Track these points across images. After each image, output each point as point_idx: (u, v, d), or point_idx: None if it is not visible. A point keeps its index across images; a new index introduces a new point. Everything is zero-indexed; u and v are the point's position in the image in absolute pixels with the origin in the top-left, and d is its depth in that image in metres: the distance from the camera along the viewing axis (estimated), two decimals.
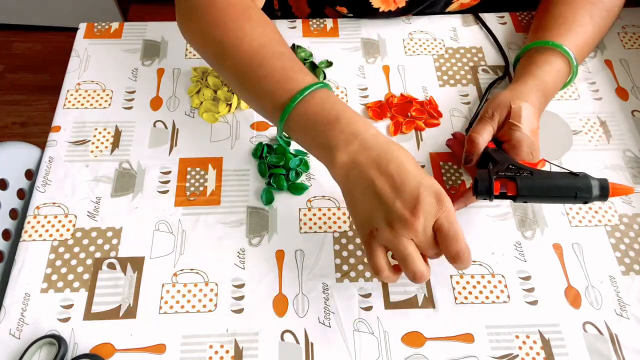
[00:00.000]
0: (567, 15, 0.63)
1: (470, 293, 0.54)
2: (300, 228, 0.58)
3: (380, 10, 0.72)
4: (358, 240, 0.57)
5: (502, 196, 0.50)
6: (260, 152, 0.62)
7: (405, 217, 0.43)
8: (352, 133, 0.47)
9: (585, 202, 0.49)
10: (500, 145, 0.56)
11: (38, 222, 0.58)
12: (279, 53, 0.53)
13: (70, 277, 0.55)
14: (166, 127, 0.66)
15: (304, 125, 0.49)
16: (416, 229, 0.43)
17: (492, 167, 0.51)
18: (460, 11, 0.77)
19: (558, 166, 0.52)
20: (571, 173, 0.49)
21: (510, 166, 0.51)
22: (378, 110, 0.66)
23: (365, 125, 0.48)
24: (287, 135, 0.53)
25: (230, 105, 0.66)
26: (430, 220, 0.44)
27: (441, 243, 0.45)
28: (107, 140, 0.64)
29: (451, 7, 0.75)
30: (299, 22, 0.76)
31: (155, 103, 0.68)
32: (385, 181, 0.45)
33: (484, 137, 0.56)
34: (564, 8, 0.64)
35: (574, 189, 0.48)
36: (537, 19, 0.68)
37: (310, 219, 0.59)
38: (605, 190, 0.48)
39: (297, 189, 0.60)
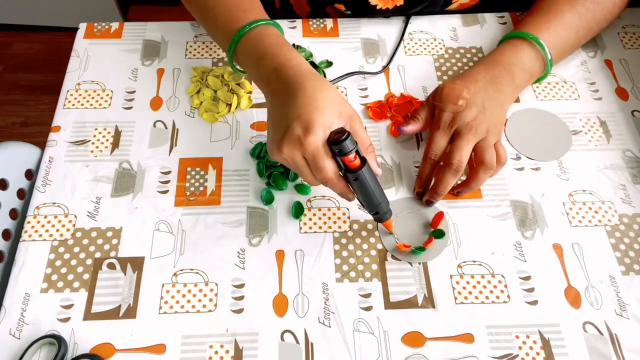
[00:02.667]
0: (545, 6, 0.65)
1: (470, 293, 0.54)
2: (300, 228, 0.58)
3: (378, 7, 0.72)
4: (358, 240, 0.57)
5: (342, 164, 0.50)
6: (259, 152, 0.62)
7: (275, 148, 0.50)
8: (273, 67, 0.53)
9: (370, 213, 0.55)
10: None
11: (38, 222, 0.58)
12: None
13: (70, 277, 0.55)
14: (166, 127, 0.66)
15: (244, 61, 0.58)
16: (284, 158, 0.50)
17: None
18: (460, 11, 0.77)
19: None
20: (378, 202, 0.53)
21: None
22: (378, 110, 0.66)
23: (287, 57, 0.53)
24: (238, 68, 0.61)
25: (230, 105, 0.66)
26: (295, 150, 0.49)
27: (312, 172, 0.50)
28: (107, 140, 0.64)
29: (451, 7, 0.75)
30: (299, 22, 0.76)
31: (155, 103, 0.68)
32: (276, 112, 0.51)
33: (421, 115, 0.62)
34: (545, 1, 0.65)
35: (375, 202, 0.53)
36: (527, 13, 0.69)
37: (310, 219, 0.59)
38: (381, 219, 0.55)
39: (302, 189, 0.60)
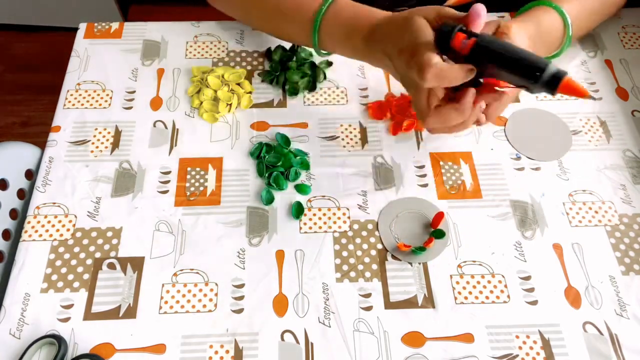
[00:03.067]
0: None
1: (470, 293, 0.54)
2: (300, 228, 0.58)
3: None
4: (358, 240, 0.57)
5: (456, 55, 0.47)
6: (259, 152, 0.62)
7: (406, 86, 0.53)
8: (370, 27, 0.55)
9: (535, 82, 0.43)
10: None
11: (38, 222, 0.58)
12: None
13: (70, 277, 0.55)
14: (166, 127, 0.66)
15: (332, 42, 0.59)
16: (421, 89, 0.50)
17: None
18: (457, 7, 0.76)
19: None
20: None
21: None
22: (378, 110, 0.66)
23: (375, 15, 0.56)
24: (323, 51, 0.62)
25: (230, 105, 0.66)
26: (405, 74, 0.51)
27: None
28: (107, 140, 0.65)
29: (449, 2, 0.75)
30: None
31: (155, 103, 0.68)
32: (392, 50, 0.52)
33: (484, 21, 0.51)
34: None
35: (530, 59, 0.43)
36: None
37: (310, 219, 0.59)
38: (559, 76, 0.43)
39: (302, 189, 0.60)
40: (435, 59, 0.46)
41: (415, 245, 0.56)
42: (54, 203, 0.60)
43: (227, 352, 0.51)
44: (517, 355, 0.51)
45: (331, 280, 0.55)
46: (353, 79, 0.70)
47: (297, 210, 0.59)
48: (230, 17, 0.72)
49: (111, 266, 0.56)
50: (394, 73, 0.55)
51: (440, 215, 0.58)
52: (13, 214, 0.63)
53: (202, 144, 0.64)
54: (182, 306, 0.53)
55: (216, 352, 0.51)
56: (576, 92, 0.43)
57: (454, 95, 0.50)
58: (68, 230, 0.58)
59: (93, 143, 0.64)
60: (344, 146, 0.64)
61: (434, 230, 0.57)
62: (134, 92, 0.69)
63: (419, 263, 0.56)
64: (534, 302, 0.54)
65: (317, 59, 0.71)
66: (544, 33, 0.59)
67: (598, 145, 0.64)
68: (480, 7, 0.49)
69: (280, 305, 0.54)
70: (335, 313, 0.53)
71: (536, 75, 0.43)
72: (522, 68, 0.44)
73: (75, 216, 0.59)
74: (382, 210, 0.59)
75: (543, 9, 0.60)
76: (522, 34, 0.52)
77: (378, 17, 0.56)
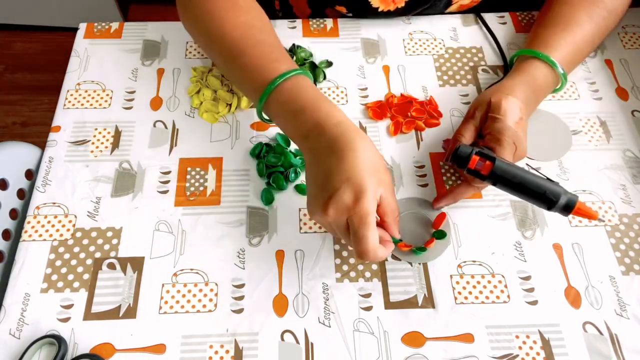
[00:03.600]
0: (565, 16, 0.63)
1: (470, 293, 0.54)
2: (300, 228, 0.58)
3: (380, 9, 0.72)
4: None
5: (475, 173, 0.51)
6: (259, 152, 0.62)
7: (318, 209, 0.48)
8: (314, 123, 0.50)
9: (549, 208, 0.50)
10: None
11: (38, 222, 0.58)
12: (258, 41, 0.58)
13: (70, 277, 0.55)
14: (166, 127, 0.66)
15: (277, 114, 0.54)
16: (327, 220, 0.47)
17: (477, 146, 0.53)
18: (460, 12, 0.77)
19: (540, 173, 0.52)
20: (548, 179, 0.51)
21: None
22: (378, 110, 0.66)
23: (328, 114, 0.50)
24: (268, 119, 0.58)
25: (230, 105, 0.66)
26: (342, 215, 0.47)
27: (351, 239, 0.47)
28: (107, 140, 0.64)
29: (451, 9, 0.75)
30: (299, 22, 0.76)
31: (155, 103, 0.68)
32: (321, 172, 0.48)
33: (467, 136, 0.57)
34: (563, 8, 0.64)
35: (544, 188, 0.49)
36: (537, 19, 0.68)
37: (310, 219, 0.59)
38: (571, 204, 0.49)
39: (302, 189, 0.60)
40: (375, 241, 0.46)
41: (416, 245, 0.56)
42: (54, 203, 0.60)
43: (227, 352, 0.51)
44: (517, 355, 0.51)
45: (331, 280, 0.55)
46: (353, 79, 0.70)
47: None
48: None
49: (111, 266, 0.56)
50: (315, 171, 0.49)
51: (442, 216, 0.58)
52: (13, 214, 0.63)
53: (202, 144, 0.64)
54: (182, 306, 0.53)
55: (216, 352, 0.51)
56: (587, 215, 0.50)
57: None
58: (68, 230, 0.58)
59: (93, 143, 0.64)
60: None
61: (436, 231, 0.57)
62: (134, 92, 0.69)
63: (419, 263, 0.56)
64: (534, 302, 0.54)
65: (317, 59, 0.71)
66: (539, 89, 0.60)
67: (598, 145, 0.64)
68: (464, 138, 0.56)
69: (280, 305, 0.54)
70: (335, 313, 0.53)
71: (550, 204, 0.49)
72: (537, 198, 0.50)
73: (75, 216, 0.59)
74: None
75: (534, 64, 0.60)
76: (514, 108, 0.55)
77: (342, 118, 0.50)
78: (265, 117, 0.57)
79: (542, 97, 0.62)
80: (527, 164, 0.57)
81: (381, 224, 0.51)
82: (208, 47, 0.63)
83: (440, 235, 0.57)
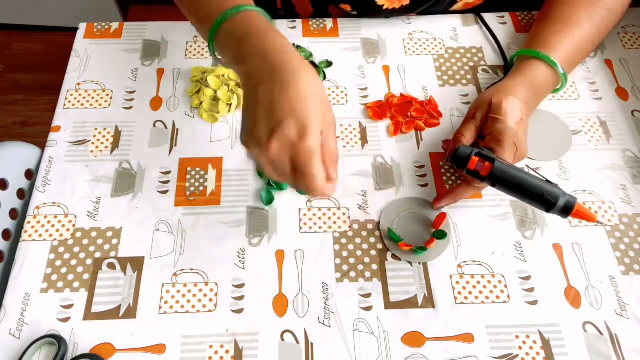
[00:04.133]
0: (565, 16, 0.63)
1: (470, 293, 0.54)
2: (300, 228, 0.58)
3: (385, 7, 0.72)
4: (358, 240, 0.57)
5: (474, 174, 0.51)
6: None
7: (259, 142, 0.44)
8: (257, 47, 0.47)
9: (548, 210, 0.50)
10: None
11: (38, 222, 0.58)
12: None
13: (70, 277, 0.55)
14: (166, 127, 0.66)
15: (225, 42, 0.51)
16: (267, 156, 0.44)
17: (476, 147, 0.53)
18: (464, 10, 0.77)
19: (539, 175, 0.52)
20: (547, 181, 0.51)
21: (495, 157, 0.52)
22: (378, 110, 0.66)
23: (274, 40, 0.47)
24: (219, 57, 0.53)
25: (230, 105, 0.66)
26: (286, 151, 0.43)
27: (296, 173, 0.44)
28: (107, 140, 0.64)
29: (456, 7, 0.75)
30: (299, 22, 0.76)
31: (155, 103, 0.68)
32: (264, 99, 0.44)
33: (467, 136, 0.57)
34: (562, 8, 0.64)
35: (543, 190, 0.49)
36: (537, 19, 0.68)
37: (310, 219, 0.59)
38: (570, 206, 0.49)
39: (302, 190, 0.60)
40: (323, 177, 0.44)
41: (416, 245, 0.56)
42: (54, 203, 0.60)
43: (227, 352, 0.51)
44: (517, 355, 0.51)
45: (331, 280, 0.55)
46: (353, 79, 0.70)
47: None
48: None
49: (111, 266, 0.56)
50: (254, 98, 0.46)
51: (442, 216, 0.58)
52: (13, 214, 0.63)
53: (202, 144, 0.64)
54: (182, 306, 0.53)
55: (216, 352, 0.51)
56: (586, 217, 0.50)
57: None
58: (68, 230, 0.58)
59: (93, 143, 0.64)
60: (344, 146, 0.64)
61: (436, 231, 0.57)
62: (134, 92, 0.69)
63: (419, 263, 0.56)
64: (534, 302, 0.54)
65: (317, 59, 0.71)
66: (539, 90, 0.61)
67: (598, 145, 0.64)
68: (464, 138, 0.56)
69: (280, 305, 0.54)
70: (335, 313, 0.53)
71: (549, 206, 0.49)
72: (535, 200, 0.50)
73: (75, 216, 0.59)
74: (384, 209, 0.59)
75: (534, 65, 0.60)
76: (515, 108, 0.55)
77: (287, 47, 0.47)
78: (217, 56, 0.53)
79: (542, 97, 0.62)
80: (526, 165, 0.57)
81: None
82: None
83: (441, 235, 0.57)
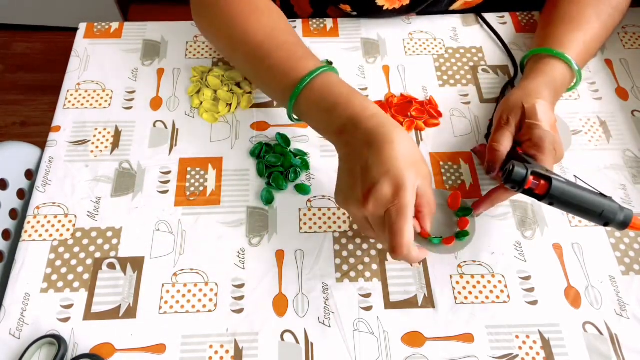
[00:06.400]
0: (573, 14, 0.63)
1: (470, 293, 0.54)
2: (300, 228, 0.58)
3: (385, 8, 0.72)
4: (358, 240, 0.57)
5: (529, 193, 0.50)
6: (259, 152, 0.62)
7: (356, 202, 0.47)
8: (348, 117, 0.50)
9: (606, 225, 0.49)
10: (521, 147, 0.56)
11: (38, 222, 0.58)
12: (282, 42, 0.57)
13: (70, 277, 0.55)
14: (166, 127, 0.66)
15: (308, 112, 0.54)
16: (364, 214, 0.47)
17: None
18: (463, 10, 0.77)
19: (587, 185, 0.51)
20: (601, 194, 0.49)
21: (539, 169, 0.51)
22: None
23: (362, 107, 0.50)
24: (298, 119, 0.57)
25: (230, 105, 0.66)
26: (381, 208, 0.45)
27: (387, 232, 0.46)
28: (107, 140, 0.65)
29: (455, 6, 0.75)
30: (299, 22, 0.76)
31: (155, 103, 0.68)
32: (358, 164, 0.47)
33: (504, 144, 0.56)
34: (571, 7, 0.64)
35: (602, 207, 0.48)
36: (544, 18, 0.68)
37: (310, 219, 0.59)
38: (627, 219, 0.48)
39: (302, 189, 0.60)
40: (411, 236, 0.45)
41: (434, 235, 0.57)
42: (54, 203, 0.60)
43: (227, 352, 0.51)
44: (517, 355, 0.51)
45: (331, 280, 0.55)
46: (353, 79, 0.70)
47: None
48: None
49: (111, 266, 0.56)
50: (350, 163, 0.49)
51: (465, 221, 0.58)
52: (13, 214, 0.63)
53: (202, 144, 0.64)
54: (182, 306, 0.53)
55: (216, 352, 0.51)
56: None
57: None
58: (68, 230, 0.58)
59: (93, 143, 0.64)
60: None
61: (461, 231, 0.57)
62: (134, 92, 0.69)
63: (419, 263, 0.56)
64: (534, 302, 0.54)
65: None
66: (559, 89, 0.61)
67: (598, 145, 0.64)
68: (501, 148, 0.55)
69: (280, 305, 0.54)
70: (335, 313, 0.53)
71: (607, 222, 0.48)
72: (594, 216, 0.49)
73: (75, 216, 0.59)
74: None
75: (550, 63, 0.60)
76: (548, 112, 0.55)
77: (376, 110, 0.50)
78: (296, 117, 0.56)
79: (560, 96, 0.62)
80: (574, 176, 0.56)
81: (416, 216, 0.50)
82: (231, 52, 0.62)
83: (463, 235, 0.57)
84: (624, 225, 0.48)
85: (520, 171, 0.49)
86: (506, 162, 0.55)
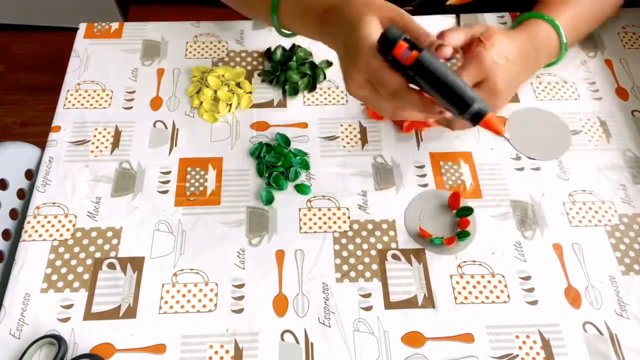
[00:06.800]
0: None
1: (470, 293, 0.54)
2: (300, 228, 0.58)
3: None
4: (358, 240, 0.57)
5: (396, 63, 0.46)
6: (259, 152, 0.62)
7: (352, 76, 0.49)
8: (325, 10, 0.54)
9: (460, 112, 0.45)
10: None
11: (38, 222, 0.58)
12: None
13: (70, 277, 0.55)
14: (166, 127, 0.66)
15: (291, 17, 0.59)
16: (358, 94, 0.51)
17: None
18: (459, 5, 0.77)
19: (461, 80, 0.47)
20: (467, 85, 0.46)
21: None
22: None
23: (331, 5, 0.54)
24: (285, 30, 0.62)
25: (230, 105, 0.66)
26: (362, 79, 0.49)
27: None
28: (107, 140, 0.65)
29: (450, 1, 0.75)
30: None
31: (155, 103, 0.68)
32: (342, 48, 0.52)
33: (455, 35, 0.51)
34: None
35: (464, 90, 0.45)
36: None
37: (310, 219, 0.59)
38: (483, 112, 0.45)
39: (302, 189, 0.60)
40: (397, 80, 0.47)
41: (435, 236, 0.57)
42: (54, 203, 0.60)
43: (227, 352, 0.51)
44: (517, 355, 0.51)
45: (331, 280, 0.55)
46: None
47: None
48: (230, 17, 0.72)
49: (111, 266, 0.56)
50: (341, 65, 0.53)
51: (465, 222, 0.58)
52: (13, 214, 0.63)
53: (202, 144, 0.64)
54: (182, 306, 0.53)
55: (216, 352, 0.51)
56: (493, 130, 0.46)
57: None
58: (68, 230, 0.58)
59: (93, 143, 0.64)
60: (344, 146, 0.64)
61: (461, 231, 0.57)
62: (134, 92, 0.69)
63: (420, 262, 0.56)
64: (534, 302, 0.54)
65: (317, 59, 0.71)
66: (540, 44, 0.59)
67: (598, 145, 0.64)
68: (449, 35, 0.51)
69: (280, 305, 0.54)
70: (335, 313, 0.53)
71: (463, 108, 0.45)
72: (453, 97, 0.45)
73: (75, 216, 0.59)
74: (414, 198, 0.60)
75: (537, 22, 0.60)
76: (505, 44, 0.53)
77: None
78: (282, 30, 0.61)
79: (542, 56, 0.60)
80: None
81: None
82: None
83: (464, 235, 0.57)
84: (477, 117, 0.45)
85: (395, 32, 0.46)
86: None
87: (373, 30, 0.48)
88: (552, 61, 0.63)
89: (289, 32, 0.63)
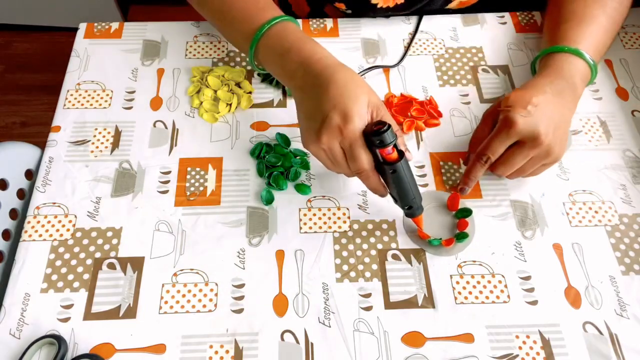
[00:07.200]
0: (579, 12, 0.63)
1: (470, 293, 0.54)
2: (300, 228, 0.58)
3: (379, 6, 0.72)
4: (358, 240, 0.57)
5: (379, 157, 0.51)
6: (259, 152, 0.62)
7: (312, 138, 0.51)
8: (299, 62, 0.54)
9: (403, 208, 0.55)
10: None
11: (38, 222, 0.58)
12: None
13: (70, 277, 0.55)
14: (166, 127, 0.66)
15: (266, 58, 0.58)
16: (322, 148, 0.51)
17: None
18: (460, 9, 0.77)
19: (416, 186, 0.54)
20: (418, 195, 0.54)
21: None
22: None
23: (312, 51, 0.54)
24: (262, 68, 0.61)
25: (230, 105, 0.66)
26: (334, 140, 0.50)
27: (348, 160, 0.51)
28: (107, 140, 0.65)
29: (451, 5, 0.75)
30: (299, 22, 0.75)
31: (155, 103, 0.68)
32: (310, 106, 0.52)
33: (481, 137, 0.58)
34: (575, 5, 0.64)
35: (415, 200, 0.54)
36: (549, 19, 0.67)
37: (310, 219, 0.59)
38: (418, 213, 0.55)
39: (302, 189, 0.60)
40: (369, 160, 0.51)
41: (434, 237, 0.57)
42: (54, 203, 0.60)
43: (227, 352, 0.51)
44: (517, 355, 0.51)
45: (331, 280, 0.55)
46: None
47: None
48: None
49: (111, 266, 0.56)
50: (305, 105, 0.53)
51: (464, 223, 0.58)
52: (13, 214, 0.63)
53: (202, 144, 0.64)
54: (182, 306, 0.53)
55: (216, 352, 0.51)
56: (419, 227, 0.57)
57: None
58: (68, 230, 0.58)
59: (93, 143, 0.64)
60: None
61: (460, 232, 0.57)
62: (134, 92, 0.69)
63: (419, 262, 0.56)
64: (534, 302, 0.54)
65: None
66: (569, 77, 0.59)
67: (598, 145, 0.64)
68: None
69: (280, 305, 0.54)
70: (335, 313, 0.53)
71: (404, 205, 0.54)
72: (404, 200, 0.54)
73: (75, 216, 0.59)
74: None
75: (560, 57, 0.60)
76: (522, 96, 0.55)
77: (324, 54, 0.55)
78: (259, 66, 0.61)
79: (578, 85, 0.59)
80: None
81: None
82: (200, 6, 0.66)
83: (462, 236, 0.57)
84: (412, 215, 0.55)
85: (391, 135, 0.49)
86: None
87: (364, 110, 0.50)
88: (587, 82, 0.62)
89: (262, 68, 0.61)
